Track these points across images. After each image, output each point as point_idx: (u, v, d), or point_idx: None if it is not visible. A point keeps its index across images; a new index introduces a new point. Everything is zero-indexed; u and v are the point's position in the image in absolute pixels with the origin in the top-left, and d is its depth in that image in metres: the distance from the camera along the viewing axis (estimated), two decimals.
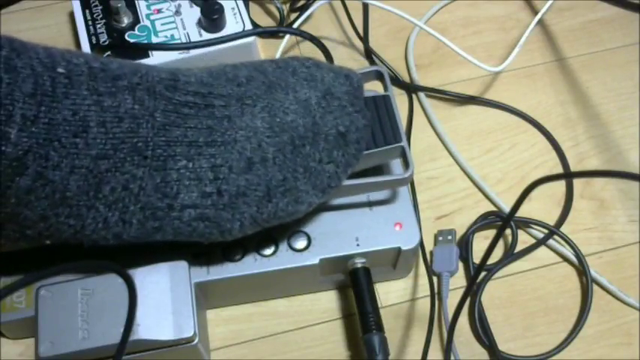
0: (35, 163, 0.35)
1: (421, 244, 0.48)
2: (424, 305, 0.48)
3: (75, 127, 0.36)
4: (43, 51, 0.37)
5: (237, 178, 0.40)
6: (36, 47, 0.37)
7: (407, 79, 0.58)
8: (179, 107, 0.39)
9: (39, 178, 0.36)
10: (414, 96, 0.57)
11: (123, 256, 0.42)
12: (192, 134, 0.39)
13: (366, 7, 0.59)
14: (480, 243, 0.50)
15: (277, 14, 0.60)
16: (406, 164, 0.44)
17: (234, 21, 0.54)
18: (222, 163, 0.39)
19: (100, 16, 0.54)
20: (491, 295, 0.48)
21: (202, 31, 0.54)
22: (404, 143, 0.44)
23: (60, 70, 0.36)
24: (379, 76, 0.47)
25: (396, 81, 0.57)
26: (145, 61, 0.52)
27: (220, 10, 0.53)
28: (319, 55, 0.52)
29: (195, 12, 0.54)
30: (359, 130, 0.42)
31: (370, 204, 0.47)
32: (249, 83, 0.41)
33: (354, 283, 0.45)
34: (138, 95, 0.38)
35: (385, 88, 0.46)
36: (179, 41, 0.53)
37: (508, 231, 0.50)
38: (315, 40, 0.53)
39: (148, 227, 0.40)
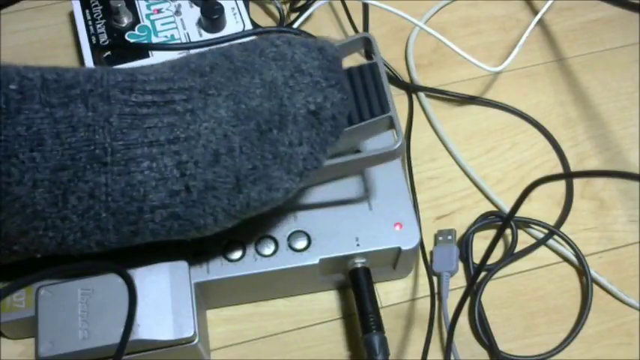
0: None
1: (421, 244, 0.48)
2: (424, 305, 0.48)
3: (30, 141, 0.36)
4: None
5: (205, 172, 0.39)
6: None
7: (407, 79, 0.58)
8: (136, 108, 0.39)
9: (6, 194, 0.36)
10: (414, 96, 0.57)
11: (123, 256, 0.42)
12: (153, 134, 0.38)
13: (366, 7, 0.59)
14: (480, 243, 0.50)
15: (277, 14, 0.60)
16: (397, 136, 0.41)
17: (234, 21, 0.54)
18: (187, 159, 0.39)
19: (100, 16, 0.54)
20: (492, 295, 0.48)
21: (202, 31, 0.54)
22: (392, 113, 0.41)
23: (12, 86, 0.37)
24: (367, 43, 0.44)
25: (396, 81, 0.57)
26: (144, 61, 0.52)
27: (220, 10, 0.53)
28: None
29: (195, 12, 0.54)
30: (334, 105, 0.40)
31: (370, 204, 0.47)
32: (213, 72, 0.40)
33: (354, 283, 0.45)
34: (91, 102, 0.38)
35: (372, 56, 0.44)
36: (179, 41, 0.53)
37: (508, 231, 0.50)
38: None
39: (125, 232, 0.39)
